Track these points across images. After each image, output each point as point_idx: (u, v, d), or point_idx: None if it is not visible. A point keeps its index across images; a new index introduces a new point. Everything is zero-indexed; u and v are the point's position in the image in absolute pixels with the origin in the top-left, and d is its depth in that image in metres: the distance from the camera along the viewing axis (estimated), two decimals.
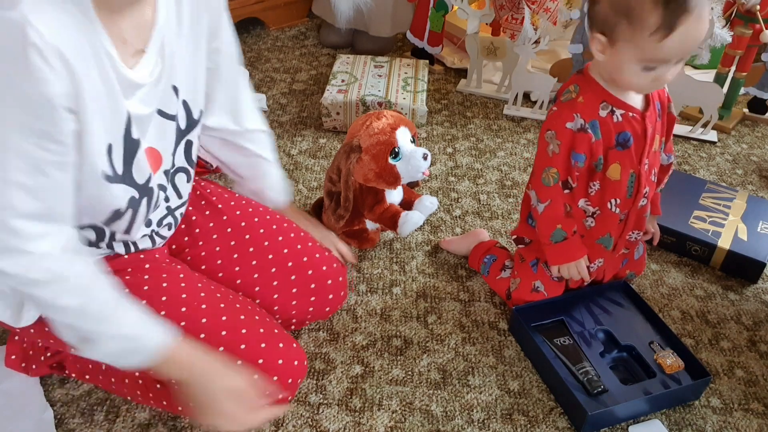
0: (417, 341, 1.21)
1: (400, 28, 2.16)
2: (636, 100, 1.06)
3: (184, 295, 0.97)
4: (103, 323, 0.83)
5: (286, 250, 1.13)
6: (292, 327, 1.18)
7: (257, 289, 1.11)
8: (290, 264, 1.12)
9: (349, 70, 1.91)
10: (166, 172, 0.94)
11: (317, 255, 1.15)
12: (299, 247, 1.14)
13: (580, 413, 1.02)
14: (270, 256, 1.12)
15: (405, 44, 2.26)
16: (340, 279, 1.17)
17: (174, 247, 1.10)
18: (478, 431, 1.05)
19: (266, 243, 1.12)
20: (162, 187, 0.94)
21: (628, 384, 1.07)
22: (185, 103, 0.94)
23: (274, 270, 1.12)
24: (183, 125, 0.95)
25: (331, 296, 1.15)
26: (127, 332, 0.84)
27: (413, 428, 1.06)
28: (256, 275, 1.12)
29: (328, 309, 1.17)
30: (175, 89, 0.91)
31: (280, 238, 1.14)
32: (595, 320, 1.18)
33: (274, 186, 1.20)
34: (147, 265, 0.99)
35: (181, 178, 0.99)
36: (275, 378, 0.97)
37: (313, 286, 1.13)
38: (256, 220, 1.14)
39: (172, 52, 0.87)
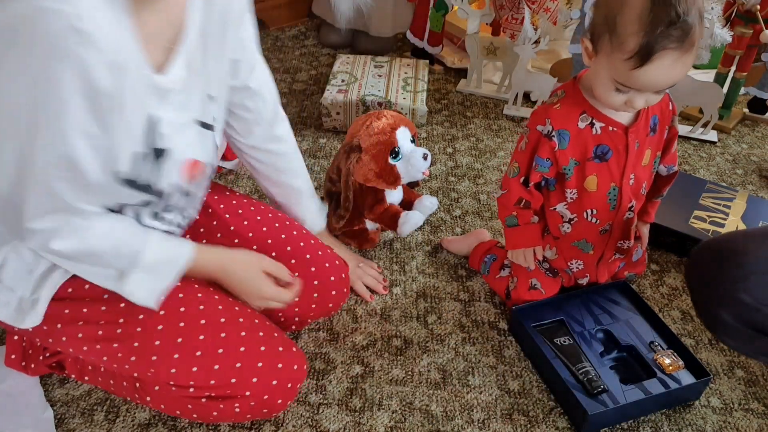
0: (417, 341, 1.21)
1: (400, 28, 2.16)
2: (621, 114, 1.03)
3: (181, 295, 0.97)
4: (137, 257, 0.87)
5: (289, 248, 1.12)
6: (293, 327, 1.18)
7: None
8: (293, 261, 1.12)
9: (349, 70, 1.91)
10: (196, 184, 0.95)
11: (320, 252, 1.15)
12: (302, 244, 1.14)
13: (580, 413, 1.02)
14: (273, 254, 1.12)
15: (405, 44, 2.26)
16: (343, 276, 1.17)
17: None
18: (478, 431, 1.05)
19: (269, 241, 1.12)
20: (184, 194, 0.94)
21: (628, 384, 1.07)
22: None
23: None
24: (219, 137, 0.95)
25: (334, 293, 1.15)
26: (159, 258, 0.90)
27: (413, 428, 1.06)
28: None
29: (331, 305, 1.17)
30: (211, 98, 0.91)
31: (283, 236, 1.13)
32: (595, 320, 1.18)
33: (307, 215, 1.25)
34: None
35: (201, 185, 1.00)
36: (274, 382, 0.97)
37: (316, 282, 1.12)
38: (258, 218, 1.14)
39: (204, 59, 0.86)
